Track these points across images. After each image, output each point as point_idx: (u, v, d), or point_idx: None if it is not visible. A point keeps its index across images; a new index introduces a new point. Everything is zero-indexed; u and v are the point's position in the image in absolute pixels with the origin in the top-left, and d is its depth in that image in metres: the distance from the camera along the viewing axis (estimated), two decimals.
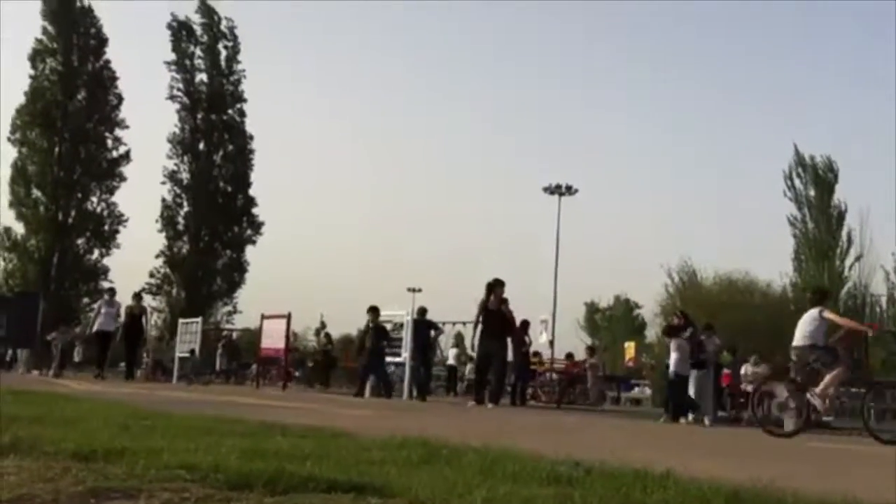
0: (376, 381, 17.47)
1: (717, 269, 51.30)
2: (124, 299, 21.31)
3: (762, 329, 39.33)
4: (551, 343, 30.23)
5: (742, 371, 14.95)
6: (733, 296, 48.48)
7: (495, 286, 15.99)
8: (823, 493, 3.75)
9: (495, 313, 15.77)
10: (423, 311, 18.70)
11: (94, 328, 20.76)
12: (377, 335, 17.54)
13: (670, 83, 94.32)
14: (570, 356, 25.09)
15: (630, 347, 20.03)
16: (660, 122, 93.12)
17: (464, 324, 21.38)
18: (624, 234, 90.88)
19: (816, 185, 49.98)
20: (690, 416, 14.98)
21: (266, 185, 72.25)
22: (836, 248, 48.84)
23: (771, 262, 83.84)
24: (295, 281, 75.60)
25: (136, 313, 21.16)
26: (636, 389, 36.30)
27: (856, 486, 4.17)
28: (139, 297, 22.32)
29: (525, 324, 18.70)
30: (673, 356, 15.42)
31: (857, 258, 48.33)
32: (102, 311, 20.63)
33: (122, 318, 20.79)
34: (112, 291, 22.47)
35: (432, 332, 19.01)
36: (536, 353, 24.06)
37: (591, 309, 69.71)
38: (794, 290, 50.04)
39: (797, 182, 50.60)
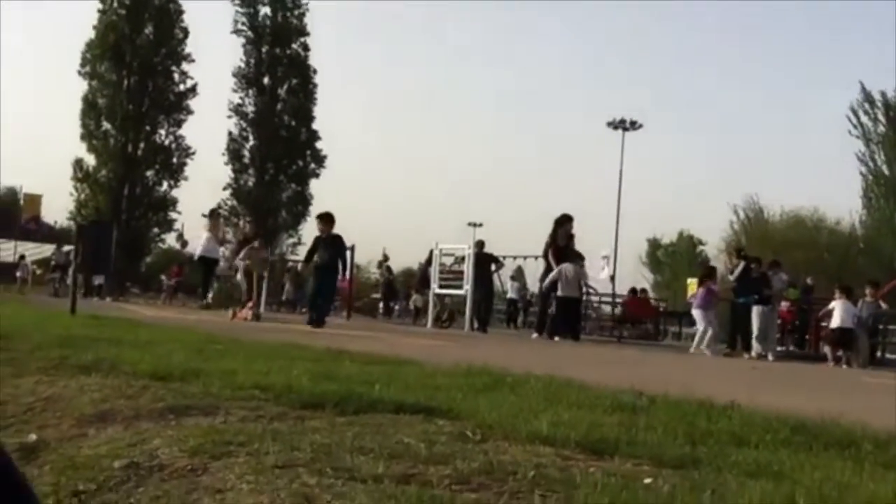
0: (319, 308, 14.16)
1: (784, 205, 50.52)
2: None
3: (830, 267, 38.69)
4: (612, 279, 30.02)
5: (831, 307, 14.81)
6: (801, 233, 47.64)
7: (564, 222, 15.92)
8: (891, 426, 3.73)
9: (563, 249, 15.75)
10: (481, 245, 18.69)
11: (198, 253, 18.92)
12: (330, 249, 13.89)
13: (737, 19, 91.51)
14: (633, 291, 24.92)
15: (692, 284, 19.68)
16: (727, 58, 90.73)
17: (524, 258, 21.45)
18: (688, 171, 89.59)
19: (888, 120, 48.33)
20: (754, 352, 14.90)
21: (330, 119, 72.64)
22: None
23: (841, 198, 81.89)
24: (358, 214, 76.13)
25: (251, 236, 19.05)
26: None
27: None
28: (250, 219, 20.27)
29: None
30: (566, 278, 15.47)
31: None
32: (205, 235, 18.76)
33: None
34: (215, 214, 19.99)
35: (493, 266, 19.05)
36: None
37: (654, 245, 69.00)
38: (863, 227, 48.91)
39: (864, 119, 49.00)
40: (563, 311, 15.90)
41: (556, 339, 15.22)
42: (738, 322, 15.77)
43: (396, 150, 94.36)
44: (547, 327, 16.12)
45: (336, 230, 14.24)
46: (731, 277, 16.22)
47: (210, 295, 19.61)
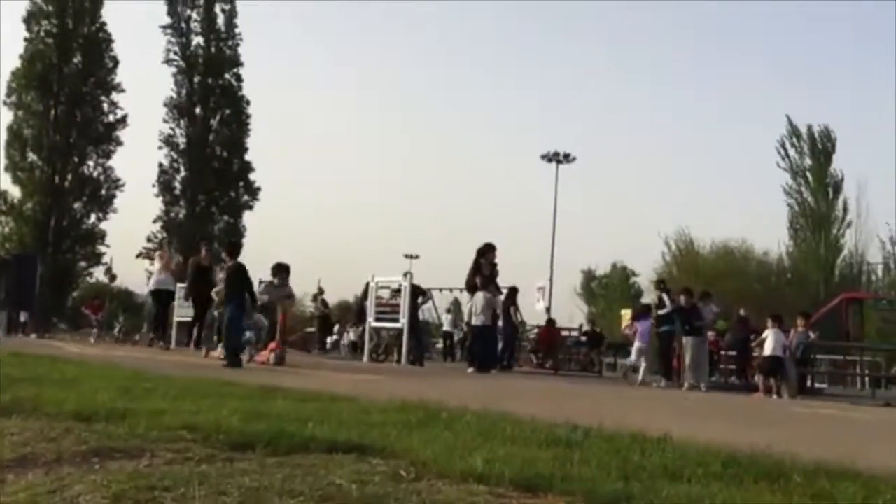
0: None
1: (714, 237, 51.64)
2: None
3: (759, 297, 39.57)
4: (548, 310, 30.30)
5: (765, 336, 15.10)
6: (730, 264, 48.70)
7: (486, 251, 15.92)
8: (819, 457, 3.79)
9: (488, 279, 15.74)
10: (409, 277, 18.51)
11: (151, 286, 18.27)
12: (232, 279, 12.67)
13: (670, 52, 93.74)
14: (550, 322, 24.89)
15: (626, 315, 19.99)
16: (660, 92, 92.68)
17: (461, 290, 21.43)
18: (622, 202, 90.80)
19: (813, 154, 49.95)
20: (686, 383, 15.05)
21: (263, 150, 72.24)
22: (832, 216, 48.89)
23: (768, 230, 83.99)
24: (292, 247, 75.57)
25: (206, 265, 17.31)
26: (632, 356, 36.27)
27: (850, 450, 4.21)
28: (208, 248, 18.41)
29: (513, 291, 18.55)
30: (476, 307, 15.67)
31: (848, 224, 48.50)
32: (157, 265, 18.36)
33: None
34: (165, 244, 19.55)
35: (419, 299, 18.83)
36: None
37: (588, 276, 69.83)
38: (790, 258, 50.23)
39: (791, 152, 50.61)
40: (474, 340, 15.92)
41: (493, 371, 15.21)
42: (665, 352, 16.09)
43: (332, 182, 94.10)
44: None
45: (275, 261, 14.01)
46: (661, 311, 16.38)
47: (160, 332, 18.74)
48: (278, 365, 12.35)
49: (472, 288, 15.90)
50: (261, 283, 14.72)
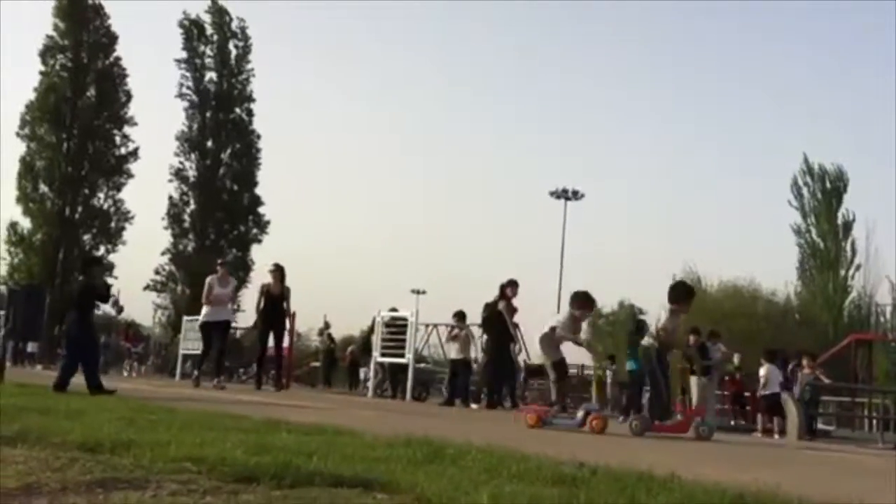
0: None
1: (722, 276, 51.41)
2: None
3: (766, 337, 39.34)
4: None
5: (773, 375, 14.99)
6: (738, 303, 48.44)
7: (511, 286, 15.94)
8: (828, 498, 3.75)
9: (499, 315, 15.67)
10: (394, 311, 18.63)
11: (202, 318, 15.51)
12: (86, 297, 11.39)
13: (680, 89, 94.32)
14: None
15: None
16: (669, 128, 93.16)
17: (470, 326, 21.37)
18: (629, 240, 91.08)
19: (824, 193, 49.85)
20: None
21: (273, 184, 72.63)
22: (840, 257, 48.73)
23: (777, 269, 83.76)
24: (299, 281, 75.59)
25: (276, 293, 15.19)
26: None
27: (859, 492, 4.17)
28: (281, 273, 15.18)
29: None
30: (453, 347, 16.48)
31: (858, 267, 48.31)
32: (215, 291, 15.07)
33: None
34: (225, 265, 16.43)
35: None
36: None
37: (595, 314, 69.55)
38: (798, 298, 49.97)
39: (804, 191, 50.51)
40: (453, 374, 16.36)
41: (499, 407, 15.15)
42: (630, 392, 16.74)
43: (340, 217, 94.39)
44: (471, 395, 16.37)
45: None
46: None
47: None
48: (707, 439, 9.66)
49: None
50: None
